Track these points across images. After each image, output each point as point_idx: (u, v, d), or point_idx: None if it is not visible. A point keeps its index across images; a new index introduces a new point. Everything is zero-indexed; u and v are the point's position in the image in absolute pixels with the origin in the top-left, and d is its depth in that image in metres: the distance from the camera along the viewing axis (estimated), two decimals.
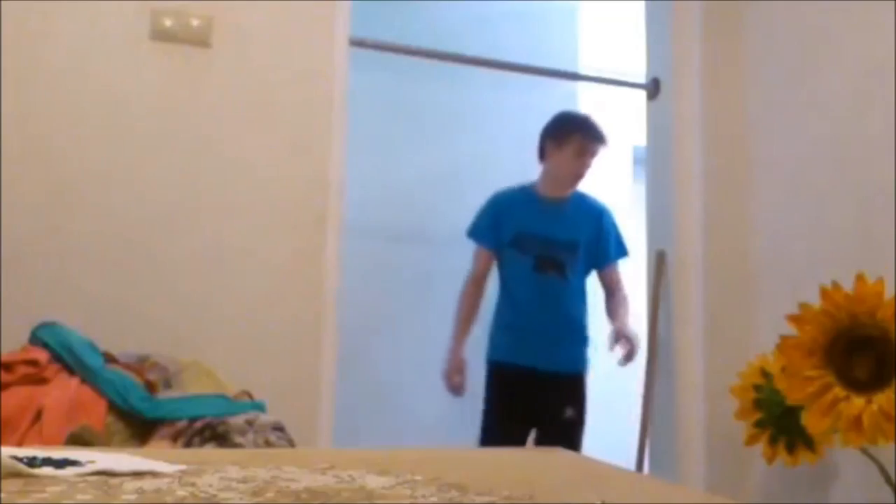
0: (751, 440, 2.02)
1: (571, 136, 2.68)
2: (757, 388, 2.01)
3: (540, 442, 2.54)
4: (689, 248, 2.71)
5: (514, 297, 2.69)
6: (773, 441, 1.99)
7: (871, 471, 1.82)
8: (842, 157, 2.30)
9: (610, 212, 2.80)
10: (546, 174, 2.74)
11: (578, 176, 2.71)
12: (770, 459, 2.00)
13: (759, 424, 2.00)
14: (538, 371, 2.60)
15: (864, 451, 1.72)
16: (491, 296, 2.76)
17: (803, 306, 1.66)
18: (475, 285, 2.74)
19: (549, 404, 2.61)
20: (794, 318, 1.65)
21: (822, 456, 2.00)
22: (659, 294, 2.77)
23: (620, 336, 2.65)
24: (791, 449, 1.98)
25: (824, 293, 1.63)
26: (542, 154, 2.75)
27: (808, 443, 1.95)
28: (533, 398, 2.59)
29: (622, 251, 2.77)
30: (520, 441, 2.55)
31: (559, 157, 2.68)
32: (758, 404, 2.00)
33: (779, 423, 1.96)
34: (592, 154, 2.70)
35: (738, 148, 2.68)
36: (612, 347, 2.67)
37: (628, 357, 2.66)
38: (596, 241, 2.72)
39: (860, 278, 1.61)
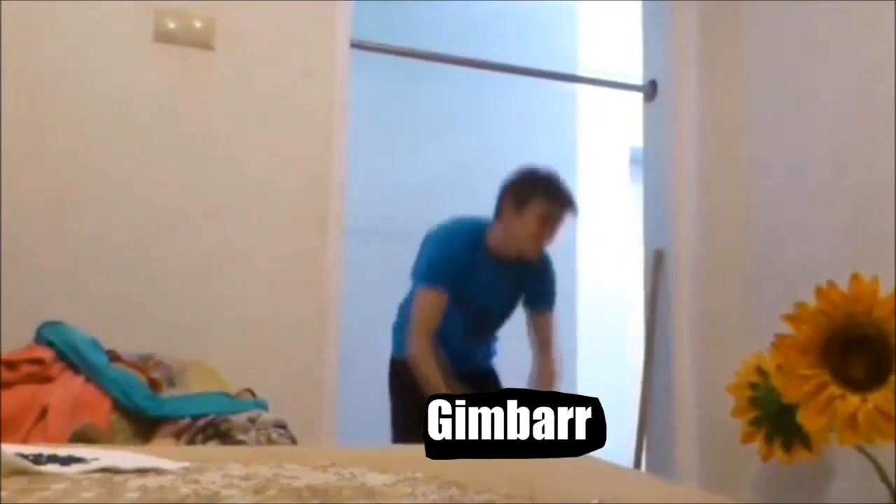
0: (746, 438, 2.02)
1: (533, 199, 2.32)
2: (753, 385, 2.01)
3: None
4: (685, 247, 2.72)
5: (443, 343, 2.41)
6: (768, 439, 1.99)
7: (865, 469, 1.83)
8: (839, 158, 2.31)
9: (551, 261, 2.56)
10: (498, 237, 2.40)
11: (537, 245, 2.38)
12: (766, 457, 2.00)
13: (754, 422, 2.01)
14: (465, 371, 2.43)
15: (861, 450, 1.73)
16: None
17: (799, 305, 1.66)
18: (432, 342, 2.33)
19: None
20: (790, 318, 1.66)
21: (820, 455, 2.01)
22: (657, 293, 2.78)
23: None
24: (787, 447, 1.99)
25: (820, 292, 1.63)
26: (498, 212, 2.39)
27: (805, 441, 1.96)
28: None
29: (552, 301, 2.56)
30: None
31: (518, 224, 2.34)
32: (754, 402, 2.00)
33: (775, 421, 1.96)
34: (559, 220, 2.35)
35: (734, 148, 2.69)
36: None
37: None
38: (533, 292, 2.53)
39: (856, 277, 1.61)
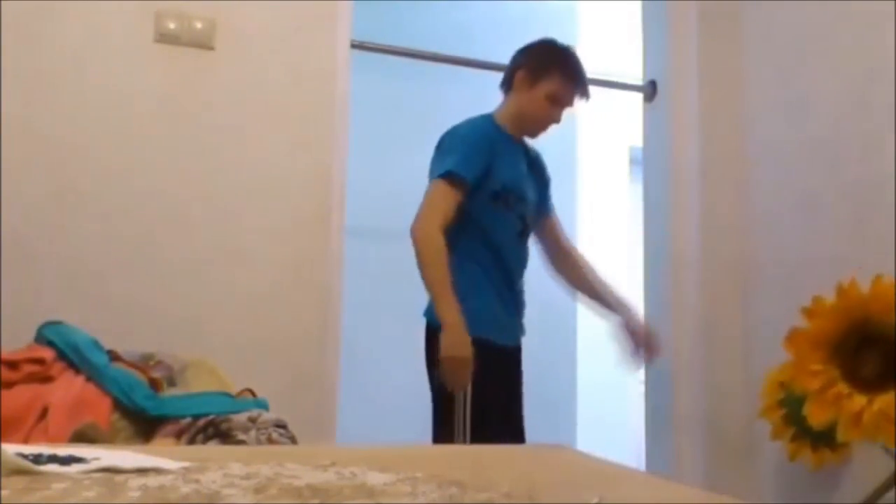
0: (795, 454, 2.00)
1: (549, 73, 2.23)
2: (781, 403, 2.00)
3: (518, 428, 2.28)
4: (685, 248, 2.72)
5: (504, 261, 2.24)
6: (814, 448, 1.97)
7: (869, 470, 1.83)
8: (838, 157, 2.31)
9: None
10: (508, 112, 2.29)
11: (545, 126, 2.29)
12: (793, 457, 1.99)
13: (795, 439, 1.99)
14: (512, 348, 2.30)
15: (886, 450, 1.72)
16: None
17: (816, 300, 1.66)
18: (445, 236, 2.10)
19: (520, 385, 2.34)
20: (806, 311, 1.66)
21: (846, 459, 2.00)
22: None
23: (639, 331, 2.28)
24: (815, 449, 1.97)
25: (840, 290, 1.63)
26: (509, 84, 2.29)
27: (830, 444, 1.93)
28: (515, 380, 2.31)
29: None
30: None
31: (529, 97, 2.24)
32: (787, 419, 1.99)
33: (814, 431, 1.91)
34: (568, 103, 2.26)
35: (734, 148, 2.69)
36: (635, 350, 2.28)
37: (652, 354, 2.30)
38: (543, 190, 2.40)
39: (877, 279, 1.61)
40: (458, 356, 2.04)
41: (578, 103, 2.29)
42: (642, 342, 2.33)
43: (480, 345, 2.09)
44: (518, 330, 2.35)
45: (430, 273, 2.09)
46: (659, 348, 2.35)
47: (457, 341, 2.03)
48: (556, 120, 2.30)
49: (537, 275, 3.15)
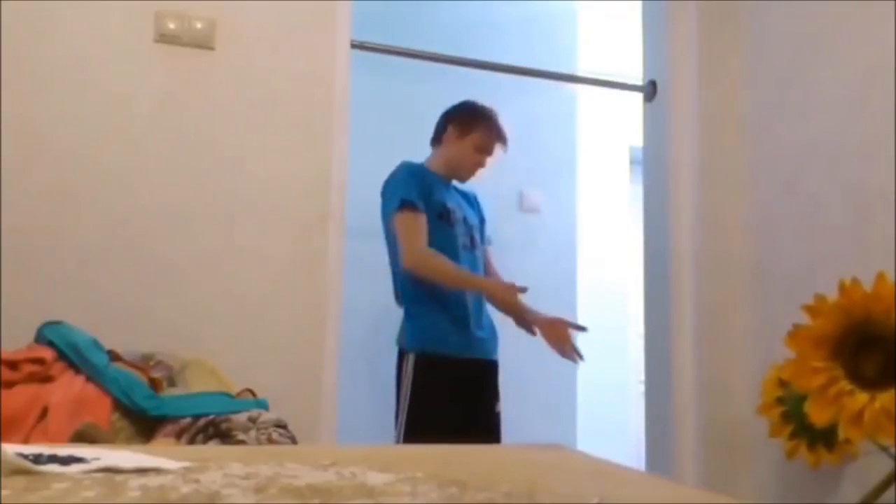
0: (792, 452, 2.01)
1: (476, 127, 2.61)
2: (780, 400, 1.99)
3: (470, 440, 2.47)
4: (685, 247, 2.72)
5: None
6: (811, 447, 1.98)
7: (869, 470, 1.83)
8: (838, 158, 2.31)
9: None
10: (440, 159, 2.65)
11: (474, 171, 2.65)
12: (815, 464, 1.99)
13: (793, 436, 1.99)
14: (477, 361, 2.54)
15: (884, 449, 1.72)
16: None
17: (818, 298, 1.66)
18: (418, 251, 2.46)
19: (484, 398, 2.56)
20: (808, 308, 1.66)
21: (852, 458, 2.00)
22: None
23: (545, 321, 2.51)
24: (812, 447, 1.97)
25: (843, 288, 1.63)
26: (439, 137, 2.66)
27: (829, 444, 1.93)
28: (476, 392, 2.52)
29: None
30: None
31: (459, 147, 2.62)
32: (786, 417, 1.99)
33: (813, 430, 1.92)
34: (491, 152, 2.63)
35: (734, 148, 2.69)
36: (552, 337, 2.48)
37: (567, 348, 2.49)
38: (481, 225, 2.76)
39: (880, 277, 1.61)
40: (506, 300, 2.48)
41: (498, 151, 2.66)
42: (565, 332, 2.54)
43: (422, 358, 2.45)
44: (473, 343, 2.53)
45: (448, 279, 2.47)
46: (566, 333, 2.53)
47: (499, 290, 2.51)
48: (482, 165, 2.65)
49: (537, 276, 3.16)
